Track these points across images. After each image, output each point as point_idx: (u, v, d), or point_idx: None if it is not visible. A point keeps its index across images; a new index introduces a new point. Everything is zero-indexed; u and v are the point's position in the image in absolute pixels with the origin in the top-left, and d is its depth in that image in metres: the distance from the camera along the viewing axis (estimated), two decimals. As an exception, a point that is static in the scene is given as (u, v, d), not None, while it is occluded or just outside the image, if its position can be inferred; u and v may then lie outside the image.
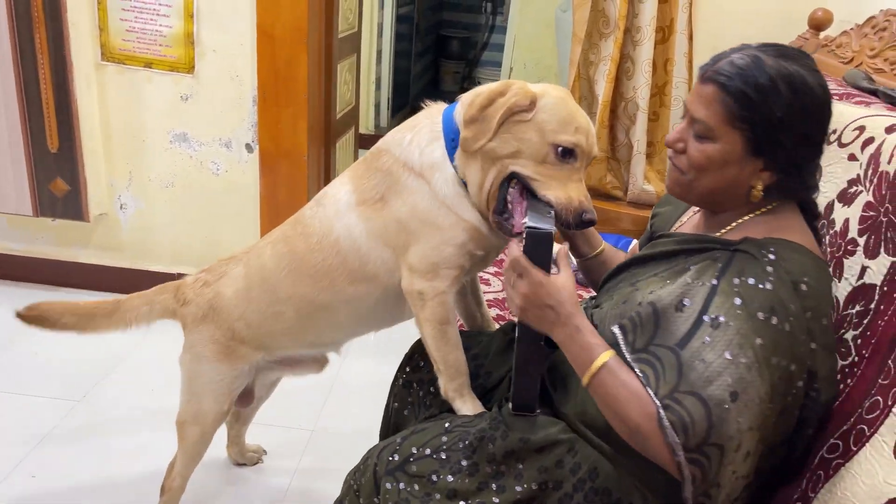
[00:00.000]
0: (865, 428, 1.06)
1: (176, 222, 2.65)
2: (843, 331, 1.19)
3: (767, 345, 0.97)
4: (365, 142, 3.65)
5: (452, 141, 1.25)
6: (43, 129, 2.42)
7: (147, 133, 2.53)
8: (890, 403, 1.04)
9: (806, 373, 1.02)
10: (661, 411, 0.96)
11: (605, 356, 1.04)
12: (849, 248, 1.23)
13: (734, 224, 1.13)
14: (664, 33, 2.06)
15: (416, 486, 1.15)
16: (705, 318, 0.99)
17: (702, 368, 0.96)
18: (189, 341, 1.53)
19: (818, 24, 1.97)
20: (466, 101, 1.24)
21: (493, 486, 1.13)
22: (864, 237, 1.19)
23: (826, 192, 1.35)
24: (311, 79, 2.35)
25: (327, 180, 2.72)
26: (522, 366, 1.17)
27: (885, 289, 1.11)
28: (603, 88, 2.08)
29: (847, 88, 1.55)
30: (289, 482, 1.97)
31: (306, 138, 2.41)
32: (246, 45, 2.37)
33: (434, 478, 1.15)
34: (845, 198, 1.29)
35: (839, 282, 1.23)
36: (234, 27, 2.35)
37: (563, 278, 1.09)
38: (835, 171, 1.34)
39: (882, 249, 1.14)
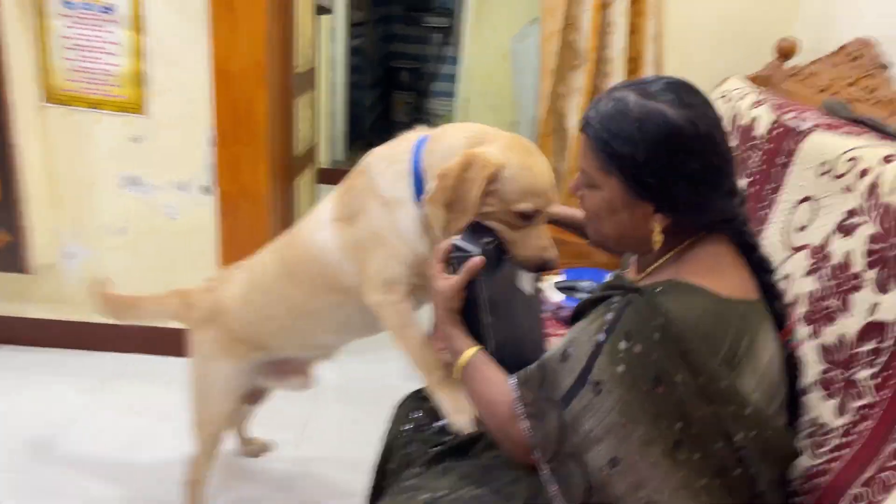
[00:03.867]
0: (891, 477, 1.02)
1: (129, 270, 2.49)
2: (853, 370, 1.15)
3: (651, 411, 0.94)
4: (324, 176, 3.55)
5: (416, 181, 1.32)
6: (-20, 176, 2.26)
7: (96, 177, 2.39)
8: (922, 448, 0.99)
9: (720, 434, 0.97)
10: (545, 470, 1.02)
11: (465, 357, 1.17)
12: (853, 282, 1.19)
13: (652, 267, 1.13)
14: (634, 64, 2.04)
15: None
16: (588, 378, 0.99)
17: (582, 433, 0.98)
18: (195, 342, 1.67)
19: (785, 52, 1.98)
20: (434, 164, 1.27)
21: None
22: (874, 270, 1.16)
23: (823, 224, 1.32)
24: (271, 116, 2.26)
25: (289, 220, 2.62)
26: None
27: (901, 325, 1.07)
28: (574, 122, 2.04)
29: (832, 118, 1.53)
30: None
31: (267, 178, 2.30)
32: (201, 83, 2.26)
33: None
34: (844, 229, 1.26)
35: (846, 317, 1.19)
36: (187, 65, 2.25)
37: (444, 282, 1.19)
38: (832, 203, 1.31)
39: (893, 283, 1.10)
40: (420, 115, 6.69)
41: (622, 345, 0.97)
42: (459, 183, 1.21)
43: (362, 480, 1.46)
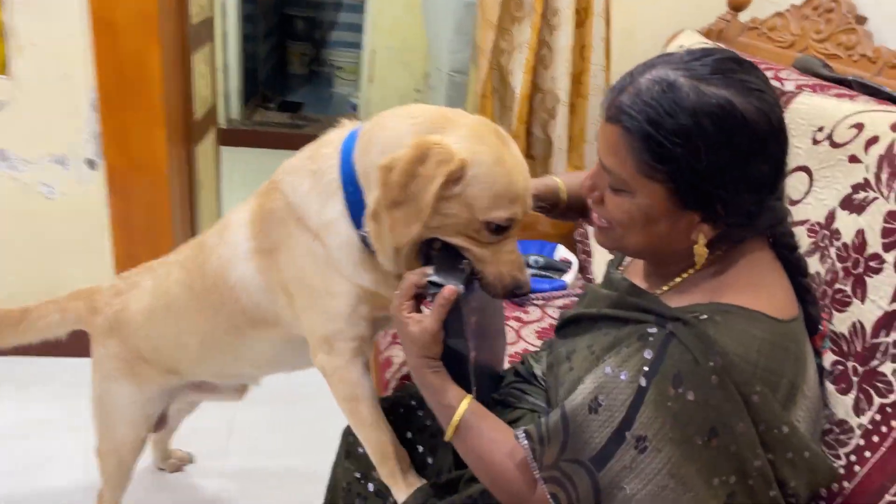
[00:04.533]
0: (936, 483, 0.92)
1: (-1, 261, 2.12)
2: (877, 362, 1.04)
3: (705, 468, 0.79)
4: (226, 138, 3.20)
5: (351, 194, 1.05)
6: None
7: (-52, 152, 1.98)
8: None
9: (774, 483, 0.83)
10: None
11: (457, 416, 0.97)
12: (871, 264, 1.07)
13: (679, 279, 0.93)
14: (581, 16, 1.86)
15: None
16: (628, 434, 0.81)
17: (623, 499, 0.81)
18: (96, 356, 1.41)
19: (738, 4, 1.85)
20: (373, 163, 0.99)
21: None
22: (893, 252, 1.04)
23: (825, 198, 1.20)
24: (166, 75, 1.93)
25: (192, 195, 2.30)
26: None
27: (936, 317, 0.97)
28: (520, 80, 1.84)
29: (810, 78, 1.41)
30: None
31: (165, 147, 1.99)
32: (77, 37, 1.88)
33: None
34: (852, 205, 1.14)
35: (862, 303, 1.08)
36: (60, 14, 1.87)
37: (416, 326, 0.97)
38: (833, 174, 1.19)
39: (924, 269, 0.99)
40: (319, 67, 6.31)
41: (671, 392, 0.80)
42: (410, 179, 0.93)
43: (294, 493, 1.30)
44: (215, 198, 2.68)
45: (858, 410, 1.06)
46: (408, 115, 1.02)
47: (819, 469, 0.87)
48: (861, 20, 1.45)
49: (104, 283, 1.44)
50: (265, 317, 1.19)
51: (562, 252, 1.98)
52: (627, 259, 1.12)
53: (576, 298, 1.84)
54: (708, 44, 1.77)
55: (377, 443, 1.11)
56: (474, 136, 0.97)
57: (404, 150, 0.94)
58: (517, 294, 1.01)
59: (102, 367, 1.39)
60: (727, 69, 0.82)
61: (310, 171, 1.09)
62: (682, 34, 1.86)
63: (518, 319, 1.73)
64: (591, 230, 1.99)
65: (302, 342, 1.20)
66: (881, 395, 1.03)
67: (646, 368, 0.81)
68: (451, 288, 0.96)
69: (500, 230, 0.97)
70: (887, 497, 0.97)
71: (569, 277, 1.88)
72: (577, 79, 1.93)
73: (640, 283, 1.01)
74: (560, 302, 1.82)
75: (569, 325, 1.08)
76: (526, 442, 0.90)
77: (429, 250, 1.02)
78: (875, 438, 1.02)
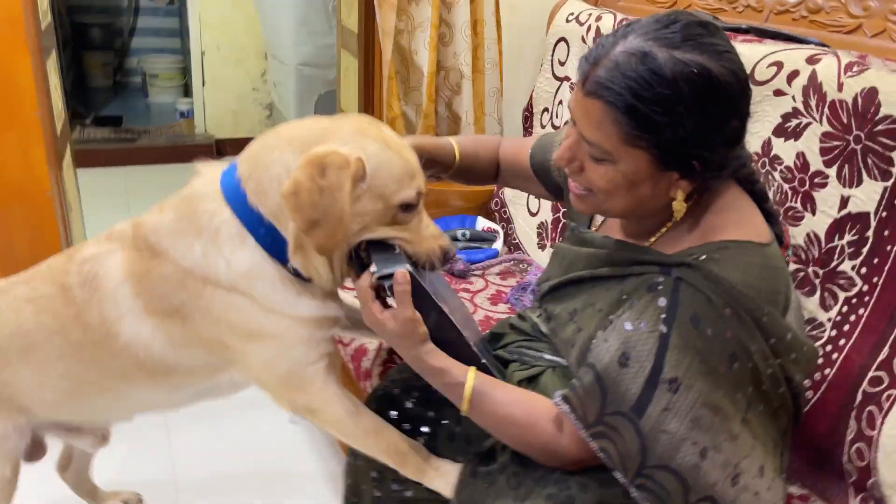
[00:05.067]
0: (910, 352, 1.09)
1: None
2: (834, 264, 1.21)
3: (730, 390, 0.89)
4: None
5: (265, 236, 1.02)
6: None
7: None
8: (937, 323, 1.07)
9: (783, 381, 0.95)
10: (634, 490, 0.90)
11: (467, 391, 0.99)
12: (816, 180, 1.24)
13: (663, 230, 1.00)
14: (474, -11, 1.91)
15: None
16: (660, 379, 0.88)
17: (666, 440, 0.88)
18: None
19: (606, -29, 2.00)
20: (274, 206, 0.99)
21: None
22: (834, 167, 1.21)
23: (757, 131, 1.35)
24: (37, 86, 1.72)
25: (65, 216, 2.07)
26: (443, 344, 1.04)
27: (885, 214, 1.14)
28: (427, 58, 1.86)
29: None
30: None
31: (46, 167, 1.77)
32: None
33: None
34: (786, 132, 1.30)
35: (814, 215, 1.25)
36: None
37: (395, 321, 0.98)
38: (762, 109, 1.34)
39: (866, 176, 1.16)
40: (126, 78, 5.84)
41: (691, 332, 0.87)
42: (318, 195, 0.93)
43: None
44: (81, 222, 2.43)
45: (825, 307, 1.22)
46: (280, 144, 1.01)
47: (811, 357, 0.99)
48: (738, -26, 1.64)
49: None
50: (172, 369, 1.12)
51: (483, 222, 2.03)
52: (598, 218, 1.17)
53: (511, 263, 1.92)
54: (592, 10, 1.90)
55: (390, 446, 1.09)
56: (355, 133, 0.99)
57: (299, 171, 0.94)
58: (448, 259, 1.05)
59: None
60: (696, 34, 0.86)
61: (195, 231, 1.04)
62: (567, 3, 1.98)
63: (467, 290, 1.77)
64: (507, 197, 2.07)
65: (210, 386, 1.17)
66: (845, 290, 1.20)
67: (663, 316, 0.88)
68: (402, 270, 0.98)
69: (410, 208, 1.01)
70: (870, 374, 1.14)
71: (498, 245, 1.95)
72: (474, 53, 1.99)
73: (613, 233, 1.08)
74: (497, 269, 1.88)
75: (558, 289, 1.12)
76: (566, 406, 0.94)
77: (357, 254, 1.04)
78: (846, 327, 1.19)
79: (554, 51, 1.93)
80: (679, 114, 0.85)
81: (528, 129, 2.04)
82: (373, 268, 1.00)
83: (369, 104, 2.24)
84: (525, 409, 0.99)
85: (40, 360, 1.15)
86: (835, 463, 1.16)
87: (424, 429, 1.16)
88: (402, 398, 1.18)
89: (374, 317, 1.00)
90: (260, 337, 1.05)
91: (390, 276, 0.98)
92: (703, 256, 0.90)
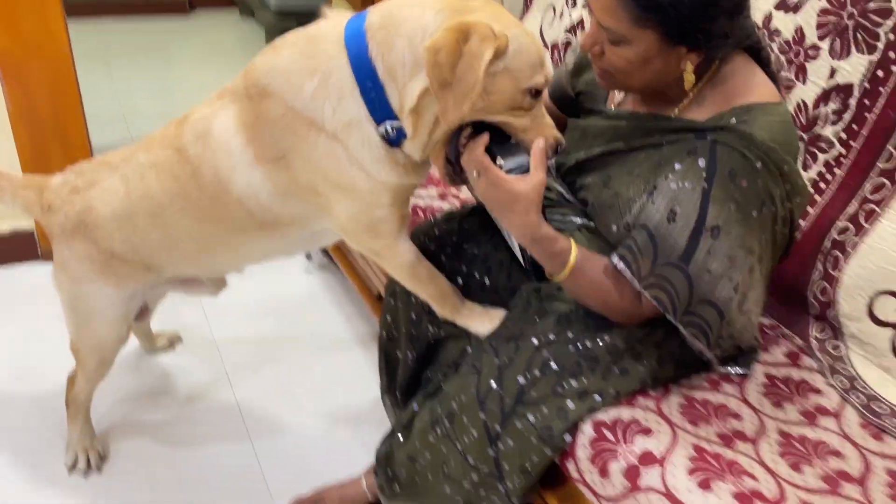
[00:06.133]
0: (875, 207, 1.28)
1: None
2: (818, 127, 1.37)
3: (758, 230, 1.05)
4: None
5: (370, 92, 1.04)
6: None
7: None
8: (899, 182, 1.25)
9: (791, 223, 1.12)
10: (682, 326, 1.07)
11: (571, 260, 1.09)
12: (809, 52, 1.37)
13: (687, 101, 1.13)
14: None
15: (545, 409, 1.10)
16: (704, 227, 1.02)
17: (708, 279, 1.04)
18: (60, 258, 1.35)
19: None
20: (400, 58, 1.02)
21: (616, 370, 1.13)
22: (827, 40, 1.34)
23: (760, 4, 1.46)
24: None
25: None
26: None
27: (867, 86, 1.28)
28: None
29: None
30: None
31: (63, 24, 1.79)
32: None
33: (559, 389, 1.10)
34: (786, 6, 1.42)
35: (804, 84, 1.39)
36: None
37: (527, 183, 1.04)
38: (766, -18, 1.45)
39: (854, 50, 1.30)
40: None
41: (729, 185, 1.01)
42: (457, 58, 0.95)
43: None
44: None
45: (805, 167, 1.40)
46: (421, 5, 1.02)
47: (807, 199, 1.17)
48: None
49: (50, 177, 1.36)
50: (277, 219, 1.20)
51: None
52: (618, 96, 1.28)
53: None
54: None
55: (436, 290, 1.24)
56: (495, 14, 1.02)
57: (446, 31, 0.96)
58: (560, 150, 1.11)
59: (71, 269, 1.34)
60: None
61: (309, 70, 1.06)
62: None
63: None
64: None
65: (310, 235, 1.27)
66: (823, 152, 1.37)
67: (704, 174, 1.02)
68: (541, 141, 1.06)
69: (537, 94, 1.06)
70: (839, 223, 1.33)
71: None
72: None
73: (628, 105, 1.22)
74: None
75: (589, 161, 1.24)
76: (622, 264, 1.07)
77: (457, 140, 1.09)
78: (822, 185, 1.37)
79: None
80: None
81: (527, 3, 2.10)
82: (504, 163, 1.06)
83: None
84: (610, 280, 1.10)
85: (166, 220, 1.25)
86: (800, 298, 1.38)
87: (459, 280, 1.32)
88: (438, 253, 1.33)
89: (496, 176, 1.04)
90: (349, 190, 1.12)
91: (500, 151, 1.06)
92: (734, 120, 1.05)
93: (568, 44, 1.95)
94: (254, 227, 1.21)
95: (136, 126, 3.04)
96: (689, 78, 1.08)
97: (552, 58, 2.01)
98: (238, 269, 1.45)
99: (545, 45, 2.02)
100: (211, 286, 1.53)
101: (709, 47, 1.05)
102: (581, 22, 1.91)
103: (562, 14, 1.98)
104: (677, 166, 1.06)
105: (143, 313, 1.62)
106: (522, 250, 1.21)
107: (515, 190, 1.04)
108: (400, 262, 1.22)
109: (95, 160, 1.36)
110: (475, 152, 1.06)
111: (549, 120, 1.11)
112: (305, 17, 3.95)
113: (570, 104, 1.38)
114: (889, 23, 1.24)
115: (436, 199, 1.65)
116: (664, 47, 1.03)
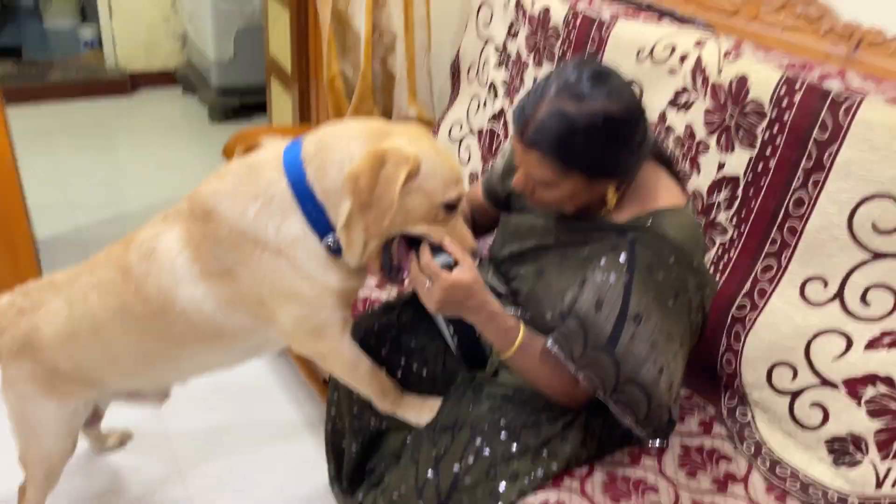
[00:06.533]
0: (766, 286, 1.43)
1: None
2: (713, 215, 1.53)
3: (675, 317, 1.17)
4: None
5: (311, 212, 1.17)
6: None
7: None
8: (784, 264, 1.40)
9: (703, 310, 1.24)
10: (611, 403, 1.17)
11: (520, 336, 1.20)
12: (700, 148, 1.53)
13: (610, 207, 1.23)
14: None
15: (478, 493, 1.19)
16: (627, 315, 1.13)
17: (633, 361, 1.14)
18: (7, 377, 1.41)
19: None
20: (334, 183, 1.15)
21: (545, 452, 1.24)
22: (714, 137, 1.50)
23: (653, 103, 1.62)
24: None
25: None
26: (458, 327, 1.28)
27: (750, 177, 1.44)
28: (363, 22, 2.01)
29: (620, 4, 1.81)
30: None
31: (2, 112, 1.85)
32: None
33: (492, 472, 1.20)
34: (677, 105, 1.58)
35: (699, 175, 1.54)
36: None
37: (467, 273, 1.16)
38: (659, 85, 1.61)
39: (737, 146, 1.46)
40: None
41: (647, 277, 1.13)
42: (374, 183, 1.09)
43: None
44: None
45: (707, 249, 1.54)
46: (348, 134, 1.17)
47: (715, 289, 1.31)
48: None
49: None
50: (220, 331, 1.27)
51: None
52: None
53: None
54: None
55: (378, 387, 1.32)
56: (412, 137, 1.16)
57: (365, 159, 1.10)
58: (475, 257, 1.23)
59: (17, 387, 1.40)
60: (600, 81, 1.11)
61: (251, 195, 1.18)
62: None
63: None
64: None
65: (254, 347, 1.36)
66: (720, 235, 1.52)
67: (626, 268, 1.14)
68: (445, 236, 1.18)
69: (451, 209, 1.18)
70: (737, 302, 1.47)
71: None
72: (405, 12, 2.15)
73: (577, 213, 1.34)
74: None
75: (522, 254, 1.36)
76: (556, 348, 1.18)
77: (389, 247, 1.24)
78: (720, 266, 1.51)
79: (478, 15, 2.12)
80: (595, 148, 1.13)
81: (455, 85, 2.25)
82: (439, 259, 1.17)
83: (303, 57, 2.37)
84: (552, 363, 1.19)
85: (108, 337, 1.31)
86: (711, 369, 1.51)
87: (398, 373, 1.41)
88: (379, 348, 1.42)
89: (440, 277, 1.14)
90: (295, 298, 1.21)
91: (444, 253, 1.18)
92: (650, 222, 1.18)
93: (492, 131, 2.09)
94: (197, 339, 1.29)
95: (82, 215, 3.06)
96: (612, 199, 1.21)
97: (478, 142, 2.14)
98: (181, 382, 1.52)
99: (472, 131, 2.17)
100: (154, 398, 1.61)
101: (627, 174, 1.20)
102: (503, 110, 2.05)
103: (485, 103, 2.13)
104: (602, 261, 1.18)
105: (95, 419, 1.67)
106: (460, 341, 1.33)
107: (464, 282, 1.15)
108: (343, 361, 1.30)
109: (42, 281, 1.44)
110: (423, 262, 1.17)
111: (465, 230, 1.23)
112: (247, 93, 4.13)
113: (503, 201, 1.50)
114: (763, 124, 1.41)
115: (374, 289, 1.74)
116: (588, 185, 1.17)
